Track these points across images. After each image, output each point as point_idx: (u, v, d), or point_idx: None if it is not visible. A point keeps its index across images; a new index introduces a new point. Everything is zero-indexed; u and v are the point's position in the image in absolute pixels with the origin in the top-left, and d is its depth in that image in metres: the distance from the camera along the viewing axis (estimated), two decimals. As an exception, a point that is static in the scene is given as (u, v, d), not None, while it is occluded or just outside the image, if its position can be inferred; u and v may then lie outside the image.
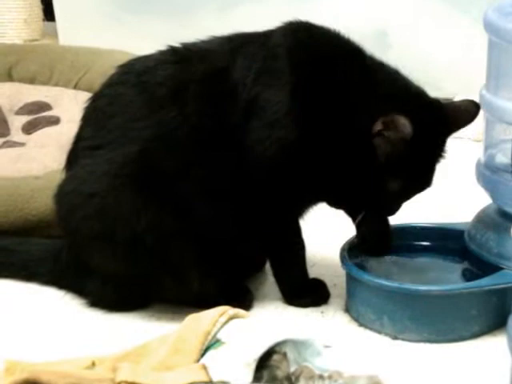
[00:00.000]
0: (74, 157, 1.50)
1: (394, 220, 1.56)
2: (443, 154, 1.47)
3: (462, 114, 1.45)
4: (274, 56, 1.44)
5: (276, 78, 1.42)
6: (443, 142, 1.47)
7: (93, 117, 1.50)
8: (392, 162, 1.41)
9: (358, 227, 1.52)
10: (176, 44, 1.49)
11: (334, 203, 1.51)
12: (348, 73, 1.43)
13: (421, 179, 1.46)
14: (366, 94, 1.41)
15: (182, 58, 1.47)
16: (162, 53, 1.49)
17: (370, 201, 1.46)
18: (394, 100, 1.41)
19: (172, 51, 1.48)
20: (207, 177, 1.43)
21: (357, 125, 1.41)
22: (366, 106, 1.40)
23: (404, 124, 1.37)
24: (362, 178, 1.43)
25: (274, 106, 1.41)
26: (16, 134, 2.03)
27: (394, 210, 1.49)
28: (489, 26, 1.45)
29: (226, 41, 1.48)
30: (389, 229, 1.55)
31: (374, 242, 1.54)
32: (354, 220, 1.52)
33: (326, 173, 1.44)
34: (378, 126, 1.39)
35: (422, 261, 1.58)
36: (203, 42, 1.49)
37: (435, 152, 1.46)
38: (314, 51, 1.45)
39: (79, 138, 1.50)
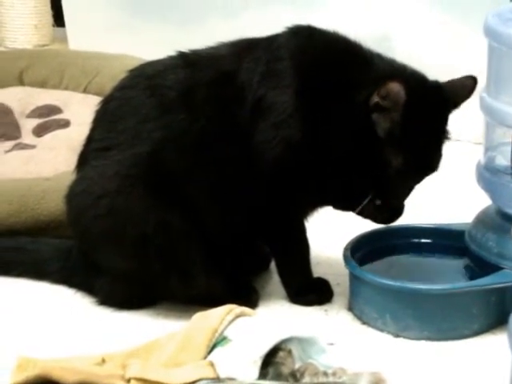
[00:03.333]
0: (85, 158, 1.50)
1: (397, 220, 1.56)
2: (446, 134, 1.45)
3: (460, 88, 1.45)
4: (277, 59, 1.44)
5: (280, 80, 1.43)
6: (444, 120, 1.45)
7: (104, 119, 1.50)
8: (392, 135, 1.39)
9: (361, 214, 1.49)
10: (185, 50, 1.50)
11: (341, 201, 1.49)
12: (348, 68, 1.43)
13: (424, 158, 1.44)
14: (365, 81, 1.41)
15: (190, 62, 1.47)
16: (171, 58, 1.50)
17: (377, 184, 1.43)
18: (388, 75, 1.40)
19: (181, 56, 1.49)
20: (215, 178, 1.44)
21: (357, 109, 1.40)
22: (365, 89, 1.40)
23: (396, 89, 1.36)
24: (367, 160, 1.41)
25: (279, 106, 1.42)
26: (27, 137, 2.04)
27: (401, 195, 1.46)
28: (489, 32, 1.45)
29: (232, 46, 1.49)
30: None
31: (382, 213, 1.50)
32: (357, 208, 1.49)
33: (332, 167, 1.44)
34: (375, 98, 1.38)
35: (424, 260, 1.58)
36: (211, 47, 1.50)
37: (437, 129, 1.44)
38: (315, 52, 1.45)
39: (90, 140, 1.51)
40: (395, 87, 1.36)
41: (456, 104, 1.45)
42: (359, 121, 1.40)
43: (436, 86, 1.45)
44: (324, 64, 1.44)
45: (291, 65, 1.43)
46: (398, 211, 1.48)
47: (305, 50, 1.45)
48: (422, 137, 1.42)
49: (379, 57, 1.47)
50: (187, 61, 1.48)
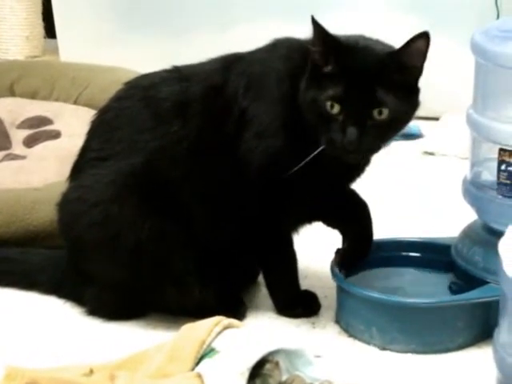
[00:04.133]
0: (81, 167, 1.51)
1: (384, 234, 1.56)
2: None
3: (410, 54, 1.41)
4: (258, 71, 1.46)
5: (262, 91, 1.45)
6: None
7: (100, 129, 1.51)
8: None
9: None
10: (179, 65, 1.52)
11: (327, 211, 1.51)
12: None
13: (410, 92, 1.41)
14: None
15: (184, 76, 1.50)
16: (166, 71, 1.52)
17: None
18: None
19: (175, 70, 1.52)
20: (206, 187, 1.45)
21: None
22: None
23: (319, 28, 1.36)
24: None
25: (261, 117, 1.44)
26: (17, 148, 2.03)
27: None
28: (476, 49, 1.46)
29: (221, 61, 1.51)
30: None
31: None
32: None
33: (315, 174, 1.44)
34: (312, 54, 1.38)
35: (410, 274, 1.58)
36: (203, 62, 1.53)
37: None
38: (293, 61, 1.46)
39: (86, 150, 1.51)
40: (319, 29, 1.36)
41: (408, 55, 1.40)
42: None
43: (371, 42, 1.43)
44: (301, 72, 1.45)
45: (271, 76, 1.45)
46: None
47: (283, 60, 1.47)
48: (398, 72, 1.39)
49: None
50: (181, 74, 1.50)
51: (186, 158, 1.44)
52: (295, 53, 1.47)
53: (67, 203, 1.49)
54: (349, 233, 1.53)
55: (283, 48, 1.48)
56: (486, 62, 1.44)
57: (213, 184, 1.45)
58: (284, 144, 1.43)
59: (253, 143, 1.44)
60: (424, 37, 1.39)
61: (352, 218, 1.52)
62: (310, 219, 1.53)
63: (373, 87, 1.37)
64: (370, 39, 1.45)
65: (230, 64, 1.49)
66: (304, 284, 1.55)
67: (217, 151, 1.45)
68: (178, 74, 1.50)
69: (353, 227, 1.52)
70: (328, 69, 1.38)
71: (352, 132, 1.36)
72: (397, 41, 2.24)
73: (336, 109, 1.37)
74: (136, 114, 1.47)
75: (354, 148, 1.36)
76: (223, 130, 1.45)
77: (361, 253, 1.53)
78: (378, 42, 1.45)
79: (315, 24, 1.38)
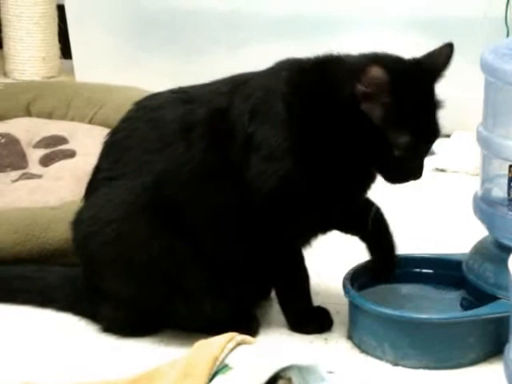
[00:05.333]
0: (94, 187, 1.51)
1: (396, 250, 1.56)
2: (438, 103, 1.44)
3: (438, 57, 1.44)
4: (263, 94, 1.46)
5: (268, 114, 1.44)
6: (430, 90, 1.43)
7: (111, 150, 1.52)
8: (388, 118, 1.39)
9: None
10: (185, 86, 1.52)
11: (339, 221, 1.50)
12: (331, 86, 1.43)
13: (425, 128, 1.42)
14: (343, 79, 1.41)
15: (189, 98, 1.50)
16: (172, 91, 1.52)
17: (389, 170, 1.43)
18: (366, 62, 1.39)
19: (181, 91, 1.52)
20: (213, 209, 1.45)
21: (345, 105, 1.40)
22: (346, 83, 1.39)
23: (376, 71, 1.36)
24: (372, 152, 1.41)
25: (269, 140, 1.43)
26: (34, 167, 2.04)
27: (415, 171, 1.43)
28: (485, 67, 1.46)
29: (226, 83, 1.51)
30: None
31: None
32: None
33: (326, 193, 1.44)
34: (359, 88, 1.37)
35: (422, 289, 1.57)
36: (208, 84, 1.52)
37: (426, 100, 1.43)
38: (297, 84, 1.46)
39: (98, 170, 1.52)
40: (375, 70, 1.36)
41: (437, 72, 1.44)
42: (351, 122, 1.40)
43: (413, 61, 1.45)
44: (310, 95, 1.45)
45: (277, 98, 1.45)
46: (414, 172, 1.45)
47: (288, 81, 1.46)
48: (416, 109, 1.40)
49: (353, 55, 1.47)
50: (186, 96, 1.50)
51: (191, 180, 1.44)
52: (297, 73, 1.47)
53: (80, 222, 1.50)
54: (369, 237, 1.52)
55: (285, 70, 1.48)
56: (495, 80, 1.44)
57: (219, 206, 1.45)
58: (293, 166, 1.43)
59: (261, 167, 1.43)
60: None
61: (367, 221, 1.50)
62: (324, 231, 1.52)
63: (436, 116, 1.42)
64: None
65: (235, 86, 1.48)
66: (316, 300, 1.55)
67: (221, 174, 1.45)
68: (184, 96, 1.50)
69: (371, 229, 1.51)
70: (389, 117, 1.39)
71: (422, 166, 1.42)
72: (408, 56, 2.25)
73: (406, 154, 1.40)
74: (144, 136, 1.48)
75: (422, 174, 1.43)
76: (228, 153, 1.45)
77: (388, 255, 1.52)
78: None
79: (376, 71, 1.36)
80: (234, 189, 1.45)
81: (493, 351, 1.42)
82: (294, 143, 1.43)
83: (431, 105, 1.44)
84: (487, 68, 1.45)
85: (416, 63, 1.45)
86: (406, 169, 1.43)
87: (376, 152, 1.42)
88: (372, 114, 1.39)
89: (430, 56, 1.46)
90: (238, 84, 1.49)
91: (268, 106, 1.45)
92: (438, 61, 1.45)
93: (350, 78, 1.39)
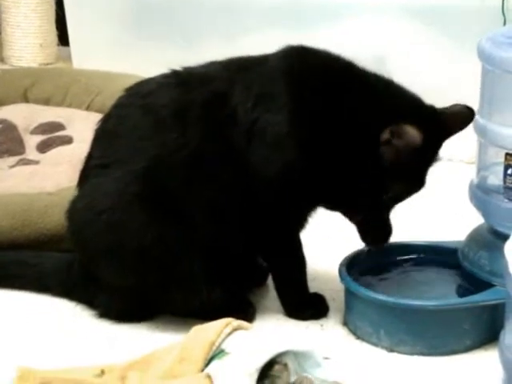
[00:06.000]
0: (86, 175, 1.51)
1: (392, 238, 1.55)
2: (438, 158, 1.47)
3: (457, 118, 1.46)
4: (270, 80, 1.45)
5: (274, 101, 1.43)
6: (440, 147, 1.47)
7: (102, 137, 1.51)
8: (396, 167, 1.41)
9: (358, 225, 1.50)
10: (178, 68, 1.50)
11: (332, 208, 1.51)
12: (343, 88, 1.44)
13: (418, 182, 1.47)
14: (366, 105, 1.42)
15: (183, 81, 1.48)
16: (164, 76, 1.50)
17: (371, 203, 1.45)
18: (398, 109, 1.42)
19: (174, 74, 1.49)
20: (210, 195, 1.44)
21: (360, 136, 1.41)
22: (369, 116, 1.41)
23: (414, 134, 1.38)
24: (365, 183, 1.43)
25: (274, 128, 1.42)
26: (31, 153, 2.04)
27: (389, 209, 1.49)
28: (482, 55, 1.46)
29: (224, 66, 1.49)
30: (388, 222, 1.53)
31: (375, 232, 1.52)
32: (351, 219, 1.50)
33: (327, 185, 1.45)
34: (386, 135, 1.39)
35: (418, 276, 1.57)
36: (203, 66, 1.50)
37: (432, 157, 1.46)
38: (308, 72, 1.46)
39: (90, 157, 1.51)
40: (413, 133, 1.38)
41: (452, 132, 1.47)
42: (362, 148, 1.41)
43: (435, 115, 1.45)
44: (318, 84, 1.44)
45: (284, 86, 1.43)
46: (385, 235, 1.50)
47: (298, 70, 1.45)
48: (420, 165, 1.45)
49: (375, 77, 1.47)
50: (180, 79, 1.48)
51: (186, 165, 1.43)
52: (311, 63, 1.46)
53: (74, 212, 1.49)
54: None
55: (297, 57, 1.47)
56: (492, 68, 1.44)
57: (216, 191, 1.43)
58: (297, 154, 1.42)
59: (265, 153, 1.42)
60: None
61: None
62: (315, 209, 1.51)
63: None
64: None
65: (236, 71, 1.46)
66: (312, 286, 1.55)
67: (219, 160, 1.43)
68: (177, 79, 1.48)
69: None
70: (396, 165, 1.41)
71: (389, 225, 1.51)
72: (403, 49, 2.25)
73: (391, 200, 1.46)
74: (135, 122, 1.46)
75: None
76: (229, 138, 1.43)
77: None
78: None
79: (414, 134, 1.38)
80: (232, 174, 1.43)
81: (488, 338, 1.43)
82: (298, 131, 1.42)
83: (431, 162, 1.47)
84: (484, 56, 1.45)
85: (434, 117, 1.44)
86: (384, 205, 1.46)
87: (368, 184, 1.43)
88: (384, 155, 1.41)
89: (451, 114, 1.46)
90: (240, 68, 1.47)
91: (275, 92, 1.43)
92: (456, 122, 1.46)
93: (380, 117, 1.40)
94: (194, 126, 1.43)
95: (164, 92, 1.47)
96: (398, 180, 1.43)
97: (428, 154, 1.45)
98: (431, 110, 1.46)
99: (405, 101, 1.45)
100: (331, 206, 1.50)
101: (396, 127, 1.39)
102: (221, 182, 1.44)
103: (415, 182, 1.47)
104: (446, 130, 1.46)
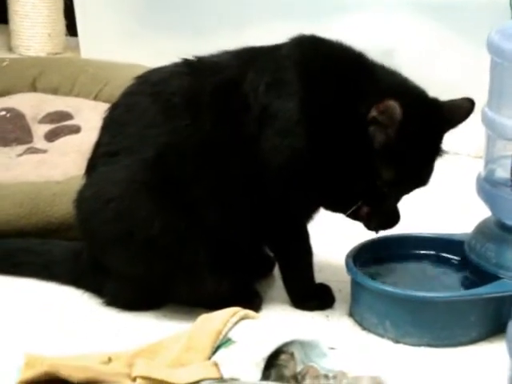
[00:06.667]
0: (94, 163, 1.50)
1: (398, 230, 1.55)
2: (440, 152, 1.46)
3: (458, 110, 1.45)
4: (282, 68, 1.45)
5: (285, 89, 1.43)
6: (439, 139, 1.46)
7: (111, 125, 1.51)
8: (386, 149, 1.40)
9: (351, 217, 1.49)
10: (189, 57, 1.50)
11: (333, 204, 1.50)
12: (350, 77, 1.44)
13: (416, 173, 1.45)
14: (367, 92, 1.41)
15: (195, 69, 1.47)
16: (176, 65, 1.50)
17: (367, 192, 1.44)
18: (389, 90, 1.40)
19: (185, 63, 1.49)
20: (219, 183, 1.44)
21: (357, 119, 1.40)
22: (366, 100, 1.40)
23: (393, 106, 1.36)
24: (360, 169, 1.42)
25: (284, 114, 1.42)
26: (39, 142, 2.04)
27: (390, 204, 1.47)
28: (492, 47, 1.45)
29: (236, 55, 1.49)
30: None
31: (380, 218, 1.50)
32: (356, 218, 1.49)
33: (331, 173, 1.44)
34: (373, 113, 1.39)
35: (425, 268, 1.57)
36: (215, 55, 1.50)
37: (431, 147, 1.45)
38: (320, 61, 1.46)
39: (98, 145, 1.51)
40: (392, 105, 1.37)
41: (452, 124, 1.45)
42: (358, 131, 1.41)
43: (434, 104, 1.45)
44: (328, 73, 1.44)
45: (296, 74, 1.44)
46: (390, 222, 1.48)
47: (309, 59, 1.46)
48: (415, 153, 1.42)
49: (382, 69, 1.47)
50: (191, 68, 1.48)
51: (197, 153, 1.42)
52: (322, 53, 1.46)
53: (82, 201, 1.49)
54: None
55: (309, 47, 1.47)
56: (501, 61, 1.44)
57: (226, 178, 1.43)
58: (307, 142, 1.42)
59: (275, 141, 1.42)
60: None
61: None
62: (319, 208, 1.51)
63: (431, 165, 1.47)
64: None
65: (248, 59, 1.46)
66: (319, 277, 1.55)
67: (230, 147, 1.43)
68: (189, 68, 1.47)
69: None
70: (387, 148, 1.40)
71: (396, 212, 1.49)
72: (412, 43, 2.25)
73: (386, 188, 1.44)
74: (145, 110, 1.45)
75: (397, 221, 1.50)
76: (240, 125, 1.43)
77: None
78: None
79: (393, 106, 1.37)
80: (243, 161, 1.43)
81: (494, 330, 1.43)
82: (308, 120, 1.42)
83: (431, 154, 1.45)
84: (494, 49, 1.45)
85: (435, 108, 1.44)
86: (382, 196, 1.44)
87: (363, 169, 1.42)
88: (374, 137, 1.40)
89: (451, 105, 1.45)
90: (252, 56, 1.47)
91: (286, 79, 1.43)
92: (457, 113, 1.45)
93: (372, 97, 1.39)
94: (206, 113, 1.43)
95: (175, 80, 1.46)
96: (389, 164, 1.41)
97: (423, 142, 1.43)
98: (428, 97, 1.45)
99: (399, 85, 1.44)
100: (333, 199, 1.49)
101: (379, 103, 1.37)
102: (230, 169, 1.44)
103: (411, 173, 1.43)
104: (444, 120, 1.44)
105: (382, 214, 1.47)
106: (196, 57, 1.50)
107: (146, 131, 1.44)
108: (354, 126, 1.41)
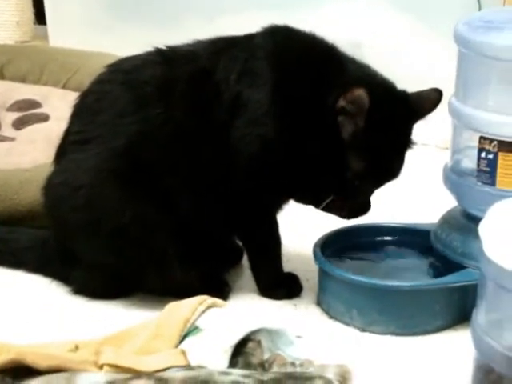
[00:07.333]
0: (63, 151, 1.49)
1: (365, 220, 1.56)
2: (410, 144, 1.46)
3: (426, 100, 1.45)
4: (254, 58, 1.44)
5: (256, 79, 1.43)
6: (408, 129, 1.46)
7: (81, 113, 1.49)
8: (355, 139, 1.39)
9: (324, 210, 1.49)
10: (162, 46, 1.49)
11: (305, 197, 1.50)
12: (322, 69, 1.44)
13: (386, 165, 1.45)
14: (336, 83, 1.41)
15: (167, 58, 1.47)
16: (148, 53, 1.49)
17: (338, 184, 1.44)
18: (357, 81, 1.40)
19: (158, 52, 1.49)
20: (191, 171, 1.43)
21: (327, 110, 1.40)
22: (334, 91, 1.40)
23: (361, 94, 1.36)
24: (330, 161, 1.42)
25: (255, 104, 1.42)
26: (7, 130, 2.02)
27: (359, 197, 1.47)
28: (459, 39, 1.46)
29: (209, 44, 1.49)
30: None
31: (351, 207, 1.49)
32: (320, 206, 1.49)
33: (301, 165, 1.44)
34: (341, 102, 1.38)
35: (391, 257, 1.58)
36: (187, 45, 1.50)
37: (400, 138, 1.45)
38: (292, 52, 1.46)
39: (68, 133, 1.50)
40: (360, 94, 1.37)
41: (421, 115, 1.46)
42: (327, 122, 1.40)
43: (402, 95, 1.45)
44: (300, 64, 1.44)
45: (267, 64, 1.43)
46: (361, 209, 1.48)
47: (281, 49, 1.45)
48: (385, 144, 1.42)
49: (353, 61, 1.47)
50: (164, 57, 1.47)
51: (169, 141, 1.42)
52: (294, 43, 1.46)
53: (51, 188, 1.48)
54: None
55: (282, 37, 1.47)
56: (468, 52, 1.44)
57: (197, 167, 1.43)
58: (276, 134, 1.42)
59: (245, 130, 1.42)
60: None
61: None
62: (290, 199, 1.51)
63: (401, 157, 1.47)
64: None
65: (220, 48, 1.46)
66: (287, 267, 1.55)
67: (202, 136, 1.43)
68: (161, 57, 1.47)
69: None
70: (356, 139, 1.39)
71: (367, 202, 1.49)
72: (379, 34, 2.25)
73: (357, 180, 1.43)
74: (117, 98, 1.44)
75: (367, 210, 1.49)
76: (211, 114, 1.43)
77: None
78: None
79: (361, 95, 1.36)
80: (214, 150, 1.43)
81: (458, 319, 1.44)
82: (279, 109, 1.42)
83: (401, 145, 1.45)
84: (461, 40, 1.45)
85: (403, 98, 1.44)
86: (352, 189, 1.44)
87: (333, 161, 1.42)
88: (343, 127, 1.39)
89: (419, 96, 1.45)
90: (225, 45, 1.47)
91: (257, 69, 1.43)
92: (425, 104, 1.45)
93: (341, 88, 1.38)
94: (178, 101, 1.43)
95: (148, 69, 1.46)
96: (359, 155, 1.40)
97: (392, 133, 1.43)
98: (400, 92, 1.45)
99: (367, 76, 1.44)
100: (304, 191, 1.49)
101: (347, 93, 1.37)
102: (201, 158, 1.43)
103: (381, 165, 1.43)
104: (415, 112, 1.45)
105: (354, 203, 1.47)
106: (168, 46, 1.49)
107: (118, 120, 1.43)
108: (323, 117, 1.41)
